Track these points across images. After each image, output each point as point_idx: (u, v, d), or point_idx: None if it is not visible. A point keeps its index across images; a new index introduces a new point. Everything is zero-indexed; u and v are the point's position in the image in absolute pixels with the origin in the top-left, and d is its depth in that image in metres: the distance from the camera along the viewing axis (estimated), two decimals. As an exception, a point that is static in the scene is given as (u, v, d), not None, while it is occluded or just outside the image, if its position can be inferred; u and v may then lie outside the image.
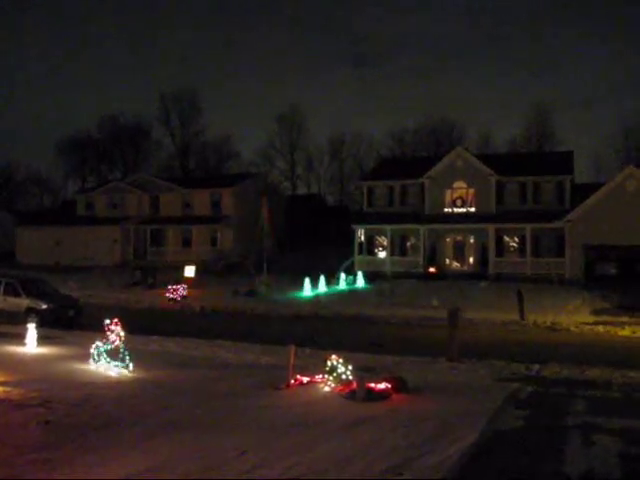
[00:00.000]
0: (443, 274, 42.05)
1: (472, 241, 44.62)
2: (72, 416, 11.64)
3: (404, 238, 46.22)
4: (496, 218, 43.54)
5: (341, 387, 14.01)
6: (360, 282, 41.08)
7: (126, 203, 56.12)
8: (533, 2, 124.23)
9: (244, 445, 10.09)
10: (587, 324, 27.08)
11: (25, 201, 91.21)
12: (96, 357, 16.11)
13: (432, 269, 42.91)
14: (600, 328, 26.25)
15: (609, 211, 39.15)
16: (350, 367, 14.37)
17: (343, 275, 41.27)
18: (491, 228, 43.04)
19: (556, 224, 41.06)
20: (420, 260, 44.00)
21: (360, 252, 45.82)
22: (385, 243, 46.12)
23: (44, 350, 18.89)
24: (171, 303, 34.75)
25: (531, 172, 44.96)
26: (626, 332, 25.40)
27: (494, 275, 40.94)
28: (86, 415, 11.75)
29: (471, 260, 44.62)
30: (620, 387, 15.31)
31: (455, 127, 77.63)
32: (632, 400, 14.07)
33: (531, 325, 27.55)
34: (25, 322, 21.24)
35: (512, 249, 43.98)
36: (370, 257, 46.34)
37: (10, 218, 66.92)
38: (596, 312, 30.05)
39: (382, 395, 13.45)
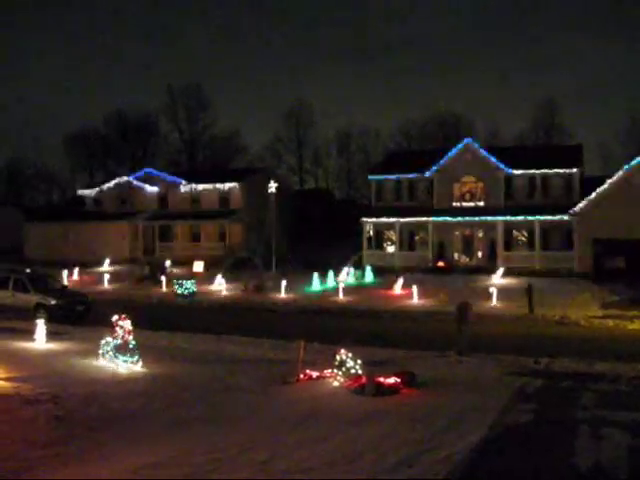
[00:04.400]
0: (451, 268, 41.93)
1: (481, 235, 44.46)
2: (81, 411, 11.70)
3: (412, 232, 46.09)
4: (505, 212, 43.34)
5: (350, 382, 13.99)
6: (368, 277, 41.00)
7: (134, 198, 56.09)
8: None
9: (253, 439, 10.11)
10: (596, 318, 26.97)
11: (33, 196, 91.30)
12: (105, 353, 16.15)
13: (440, 263, 42.82)
14: (609, 322, 26.14)
15: (618, 204, 38.89)
16: (359, 362, 14.35)
17: (351, 270, 41.20)
18: (500, 222, 42.89)
19: (565, 218, 40.89)
20: (428, 254, 43.90)
21: (369, 246, 45.73)
22: (393, 237, 46.04)
23: (53, 346, 18.96)
24: (179, 298, 34.77)
25: (540, 165, 44.67)
26: (635, 326, 25.28)
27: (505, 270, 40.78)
28: (95, 411, 11.80)
29: (480, 254, 44.48)
30: (629, 380, 15.24)
31: (463, 121, 77.13)
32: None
33: (540, 319, 27.46)
34: (34, 318, 21.31)
35: (521, 243, 43.81)
36: (378, 251, 46.25)
37: (18, 213, 67.05)
38: (605, 306, 29.90)
39: (391, 390, 13.44)
